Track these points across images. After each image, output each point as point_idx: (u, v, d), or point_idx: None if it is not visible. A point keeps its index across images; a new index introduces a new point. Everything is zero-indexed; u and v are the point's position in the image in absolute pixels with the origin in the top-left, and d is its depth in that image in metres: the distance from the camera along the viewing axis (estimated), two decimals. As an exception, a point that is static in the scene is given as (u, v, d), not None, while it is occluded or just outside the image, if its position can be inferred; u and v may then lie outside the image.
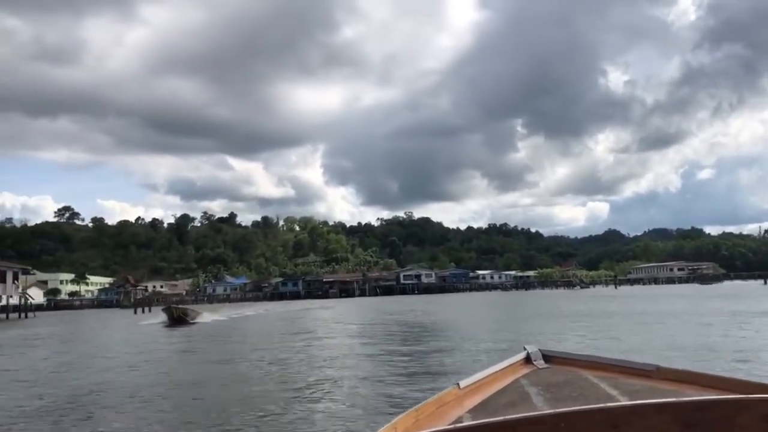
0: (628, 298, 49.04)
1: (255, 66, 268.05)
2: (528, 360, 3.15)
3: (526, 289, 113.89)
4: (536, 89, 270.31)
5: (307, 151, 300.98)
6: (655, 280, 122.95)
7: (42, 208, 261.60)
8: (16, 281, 57.65)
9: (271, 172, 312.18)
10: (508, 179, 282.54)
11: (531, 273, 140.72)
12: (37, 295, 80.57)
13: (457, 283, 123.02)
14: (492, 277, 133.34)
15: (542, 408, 2.22)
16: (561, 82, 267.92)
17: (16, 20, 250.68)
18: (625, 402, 2.02)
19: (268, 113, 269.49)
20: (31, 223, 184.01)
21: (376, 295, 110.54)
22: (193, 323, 34.82)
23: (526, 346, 3.26)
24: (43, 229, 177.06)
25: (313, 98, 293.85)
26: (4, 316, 54.67)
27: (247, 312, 50.12)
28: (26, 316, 57.15)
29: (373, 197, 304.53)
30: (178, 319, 34.45)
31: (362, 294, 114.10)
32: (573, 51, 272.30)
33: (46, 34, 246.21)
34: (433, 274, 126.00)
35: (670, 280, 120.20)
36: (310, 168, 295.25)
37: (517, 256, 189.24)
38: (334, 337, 22.78)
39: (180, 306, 41.88)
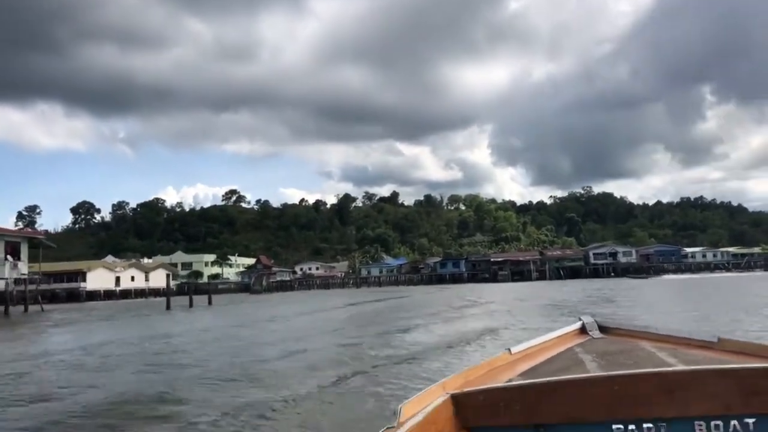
0: None
1: (419, 49, 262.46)
2: (583, 330, 3.05)
3: (765, 270, 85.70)
4: (726, 51, 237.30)
5: (474, 132, 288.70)
6: None
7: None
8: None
9: (438, 155, 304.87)
10: (695, 152, 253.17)
11: (756, 250, 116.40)
12: (161, 279, 70.80)
13: (665, 262, 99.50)
14: (704, 255, 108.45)
15: (595, 373, 2.16)
16: (755, 41, 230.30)
17: (200, 24, 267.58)
18: (682, 367, 1.95)
19: (434, 96, 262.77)
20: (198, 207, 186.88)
21: (559, 278, 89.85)
22: None
23: (581, 317, 3.12)
24: (210, 212, 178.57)
25: (479, 77, 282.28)
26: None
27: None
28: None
29: (544, 176, 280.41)
30: None
31: (541, 277, 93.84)
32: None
33: (226, 34, 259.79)
34: (634, 252, 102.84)
35: None
36: (477, 149, 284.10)
37: (724, 231, 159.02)
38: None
39: None
